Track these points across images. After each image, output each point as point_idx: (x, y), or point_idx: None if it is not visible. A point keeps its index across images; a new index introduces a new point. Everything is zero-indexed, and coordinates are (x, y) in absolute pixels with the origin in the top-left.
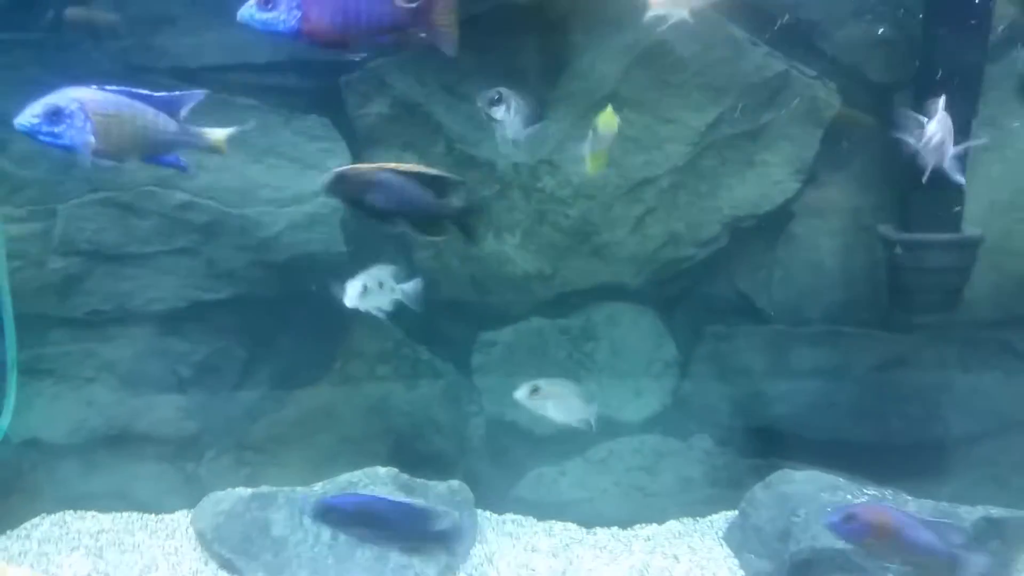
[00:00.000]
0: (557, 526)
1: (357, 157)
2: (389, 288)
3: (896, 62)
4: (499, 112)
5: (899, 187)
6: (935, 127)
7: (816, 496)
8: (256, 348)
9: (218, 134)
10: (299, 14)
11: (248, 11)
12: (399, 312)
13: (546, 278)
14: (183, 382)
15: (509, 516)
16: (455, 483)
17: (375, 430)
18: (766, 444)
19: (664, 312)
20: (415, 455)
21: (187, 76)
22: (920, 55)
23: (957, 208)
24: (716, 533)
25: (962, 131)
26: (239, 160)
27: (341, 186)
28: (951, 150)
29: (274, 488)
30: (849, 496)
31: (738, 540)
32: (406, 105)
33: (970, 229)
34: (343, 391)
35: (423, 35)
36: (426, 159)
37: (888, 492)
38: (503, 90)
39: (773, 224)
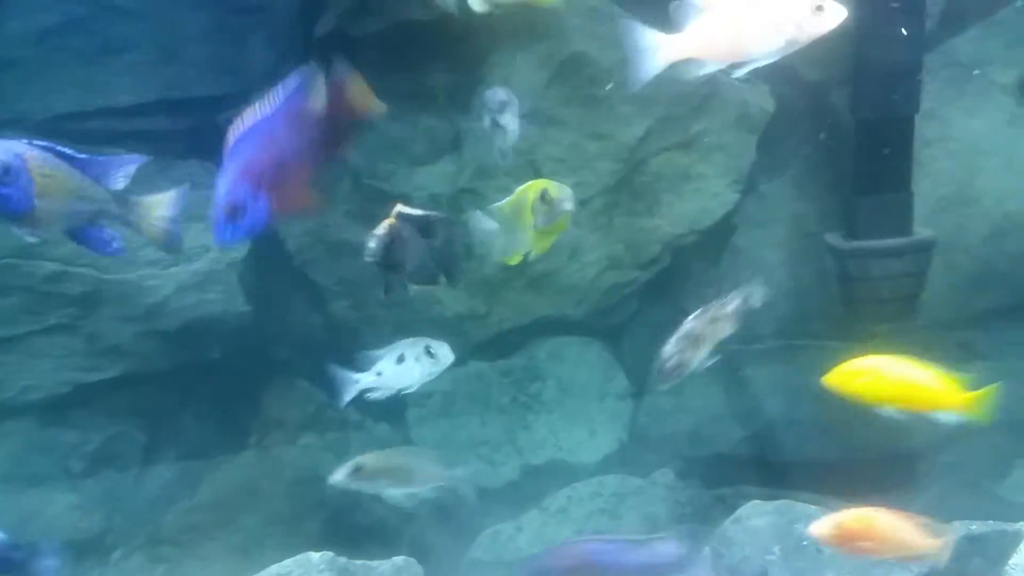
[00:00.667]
0: None
1: None
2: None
3: (831, 58)
4: (506, 118)
5: (843, 192)
6: (671, 348)
7: (790, 529)
8: (157, 429)
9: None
10: (266, 198)
11: (222, 233)
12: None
13: (480, 317)
14: (76, 477)
15: None
16: (400, 560)
17: (306, 506)
18: (730, 472)
19: (611, 342)
20: (354, 528)
21: (38, 128)
22: (855, 50)
23: (906, 209)
24: None
25: (905, 127)
26: None
27: (393, 248)
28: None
29: None
30: None
31: None
32: None
33: (922, 230)
34: (264, 466)
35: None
36: (331, 196)
37: None
38: (503, 91)
39: (716, 239)
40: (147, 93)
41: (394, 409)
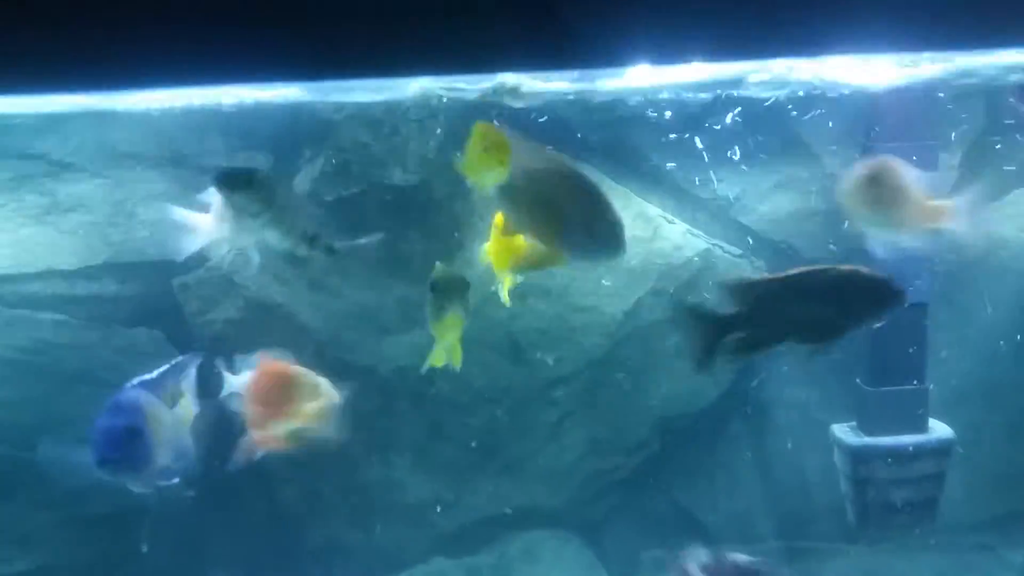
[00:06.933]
0: None
1: (201, 368)
2: None
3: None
4: None
5: (852, 380)
6: None
7: None
8: None
9: None
10: None
11: None
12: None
13: (447, 506)
14: None
15: None
16: None
17: None
18: None
19: (592, 537)
20: None
21: None
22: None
23: (922, 406)
24: None
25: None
26: (42, 390)
27: None
28: None
29: None
30: None
31: None
32: (263, 306)
33: (939, 428)
34: None
35: None
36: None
37: None
38: None
39: (710, 422)
40: (95, 256)
41: None
